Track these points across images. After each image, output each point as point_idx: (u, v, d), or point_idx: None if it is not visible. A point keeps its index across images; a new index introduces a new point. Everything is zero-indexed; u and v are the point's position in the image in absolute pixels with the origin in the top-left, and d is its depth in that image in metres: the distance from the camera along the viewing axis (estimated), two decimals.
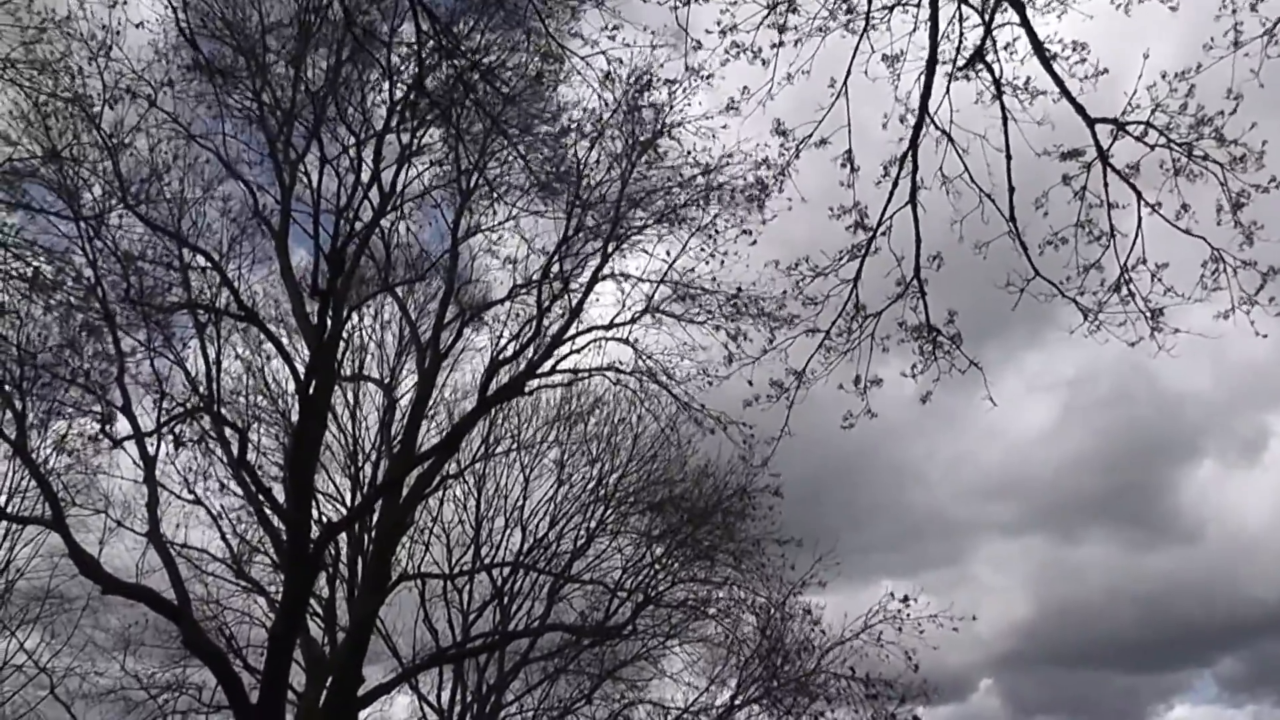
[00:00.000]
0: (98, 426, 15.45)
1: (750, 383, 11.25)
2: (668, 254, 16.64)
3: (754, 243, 15.73)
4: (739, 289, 16.07)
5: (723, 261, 16.20)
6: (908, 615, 18.26)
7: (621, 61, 13.92)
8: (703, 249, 16.34)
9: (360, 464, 21.91)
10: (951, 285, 10.54)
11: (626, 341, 16.87)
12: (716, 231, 16.16)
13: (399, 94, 14.94)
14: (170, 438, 16.14)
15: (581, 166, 16.01)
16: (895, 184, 9.49)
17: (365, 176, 15.92)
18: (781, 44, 9.34)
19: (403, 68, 14.00)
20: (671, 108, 15.39)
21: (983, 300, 9.78)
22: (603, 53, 11.23)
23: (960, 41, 9.15)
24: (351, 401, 22.29)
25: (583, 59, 10.20)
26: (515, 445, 22.03)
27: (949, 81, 9.24)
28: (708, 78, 14.51)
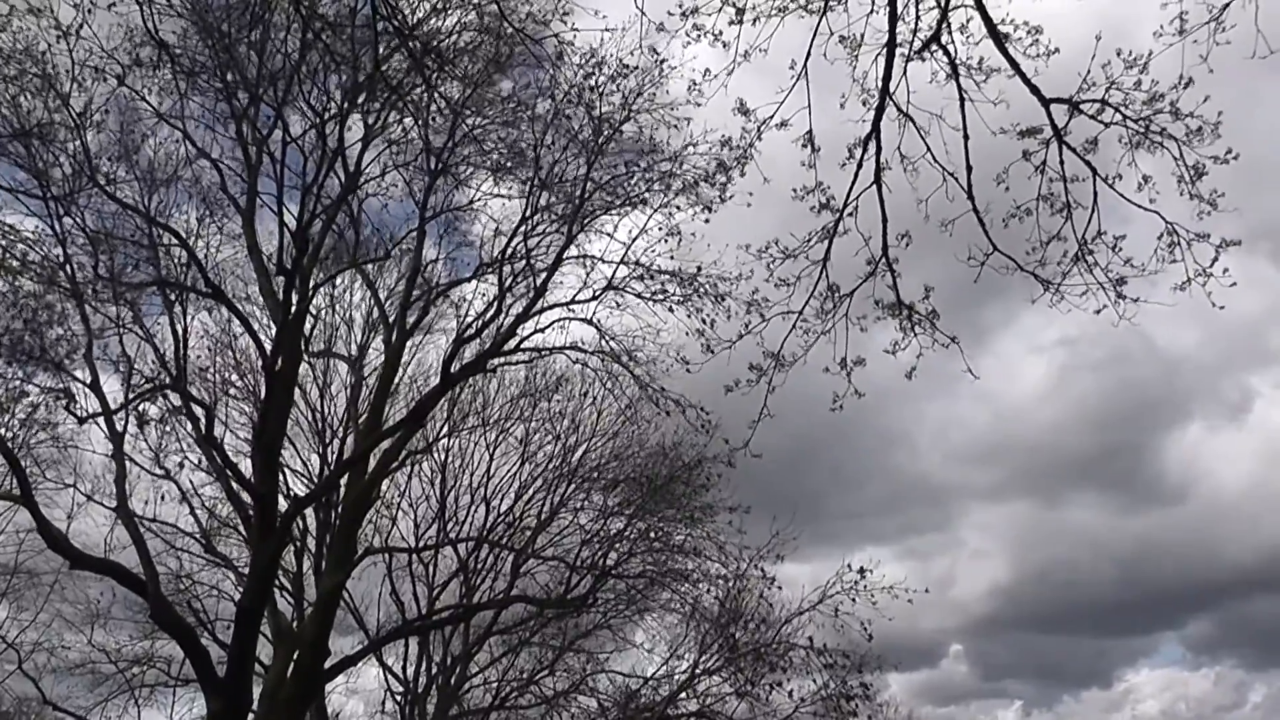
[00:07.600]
0: (63, 403, 15.55)
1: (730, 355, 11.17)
2: (629, 234, 16.93)
3: (707, 221, 16.00)
4: (699, 268, 16.29)
5: (680, 240, 16.47)
6: (864, 587, 18.65)
7: (573, 43, 14.33)
8: (660, 228, 16.62)
9: (328, 439, 22.15)
10: (930, 259, 10.69)
11: (589, 321, 17.10)
12: (677, 209, 16.43)
13: (360, 77, 15.06)
14: (135, 415, 16.30)
15: (538, 147, 16.22)
16: (860, 165, 9.55)
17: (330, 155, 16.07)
18: (740, 22, 9.37)
19: (360, 53, 14.08)
20: (637, 93, 15.63)
21: (971, 269, 9.92)
22: (555, 35, 11.42)
23: (917, 23, 9.21)
24: (320, 377, 22.51)
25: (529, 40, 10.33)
26: (481, 422, 22.34)
27: (906, 63, 9.30)
28: (667, 65, 14.89)
